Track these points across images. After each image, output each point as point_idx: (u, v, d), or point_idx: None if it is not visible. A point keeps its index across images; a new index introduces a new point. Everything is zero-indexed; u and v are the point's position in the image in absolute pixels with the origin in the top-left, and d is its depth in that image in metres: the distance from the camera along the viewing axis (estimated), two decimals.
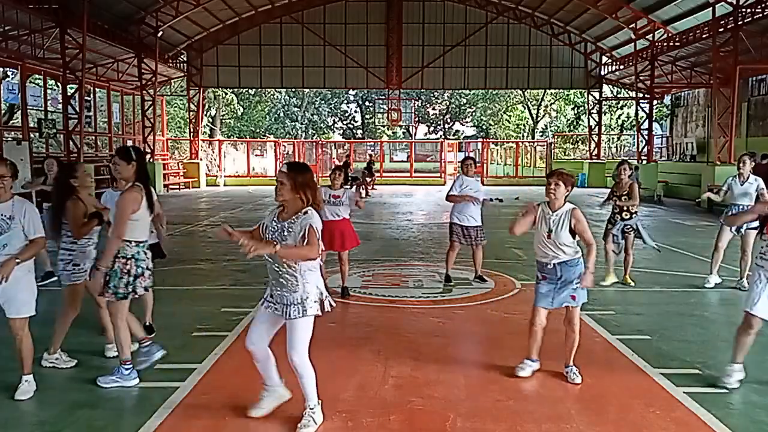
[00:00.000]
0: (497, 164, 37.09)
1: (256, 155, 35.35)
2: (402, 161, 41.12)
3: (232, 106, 42.41)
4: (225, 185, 29.20)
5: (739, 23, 16.80)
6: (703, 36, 19.50)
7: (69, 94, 18.99)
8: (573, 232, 4.31)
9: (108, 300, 4.38)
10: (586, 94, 30.55)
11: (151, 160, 24.49)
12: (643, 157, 24.89)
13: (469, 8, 27.94)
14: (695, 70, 23.93)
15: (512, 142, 41.39)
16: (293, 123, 51.44)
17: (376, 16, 27.96)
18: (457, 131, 59.81)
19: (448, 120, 58.84)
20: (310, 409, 3.70)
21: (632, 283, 7.52)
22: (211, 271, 8.53)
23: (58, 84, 21.65)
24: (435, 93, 52.79)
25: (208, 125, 39.65)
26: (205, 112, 35.69)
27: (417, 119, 47.16)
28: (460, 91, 46.14)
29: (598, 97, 29.18)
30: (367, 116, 54.34)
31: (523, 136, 47.88)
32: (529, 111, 47.65)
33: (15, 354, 4.15)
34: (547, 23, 27.72)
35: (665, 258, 9.85)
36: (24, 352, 4.12)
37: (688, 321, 6.06)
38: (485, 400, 4.15)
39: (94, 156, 23.76)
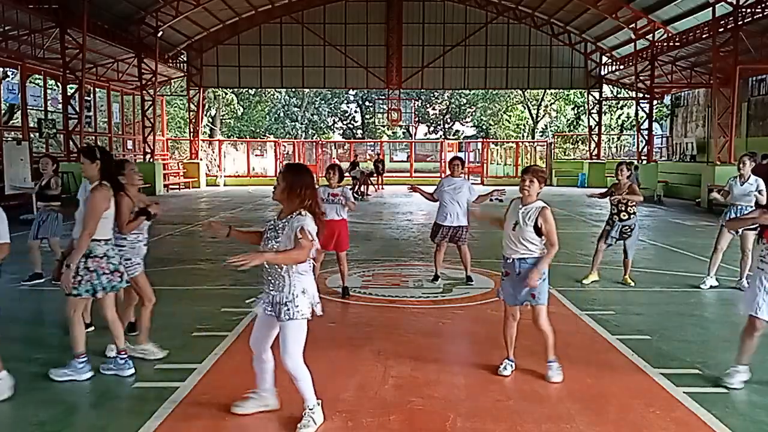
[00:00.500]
0: (497, 164, 37.07)
1: (256, 155, 35.35)
2: (402, 161, 41.13)
3: (232, 106, 42.41)
4: (225, 185, 29.21)
5: (739, 23, 16.80)
6: (703, 36, 19.51)
7: (69, 94, 19.01)
8: (539, 232, 4.35)
9: (68, 294, 4.42)
10: (586, 94, 30.56)
11: (151, 160, 24.51)
12: (643, 157, 24.90)
13: (469, 8, 27.95)
14: (695, 70, 23.94)
15: (512, 142, 41.36)
16: (293, 123, 51.43)
17: (376, 16, 27.97)
18: (457, 131, 59.79)
19: (448, 120, 58.82)
20: (310, 409, 3.70)
21: (632, 283, 7.52)
22: (211, 271, 8.53)
23: (58, 84, 21.66)
24: (435, 93, 52.78)
25: (208, 125, 39.66)
26: (205, 112, 35.70)
27: (417, 119, 47.15)
28: (460, 91, 46.14)
29: (598, 97, 29.19)
30: (367, 116, 54.32)
31: (523, 136, 47.86)
32: (529, 111, 47.64)
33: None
34: (547, 23, 27.73)
35: (665, 258, 9.86)
36: None
37: (688, 321, 6.06)
38: (485, 400, 4.15)
39: None
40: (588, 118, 30.12)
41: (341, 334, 5.60)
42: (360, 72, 28.48)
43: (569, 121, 42.89)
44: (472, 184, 8.23)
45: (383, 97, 32.42)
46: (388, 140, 49.81)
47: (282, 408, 3.90)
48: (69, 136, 18.90)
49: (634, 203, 7.34)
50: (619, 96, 34.28)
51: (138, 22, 22.64)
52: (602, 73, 28.54)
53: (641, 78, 24.49)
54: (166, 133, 31.24)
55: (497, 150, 40.76)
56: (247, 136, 44.49)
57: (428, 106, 56.70)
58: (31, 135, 19.78)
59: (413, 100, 36.40)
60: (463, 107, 55.92)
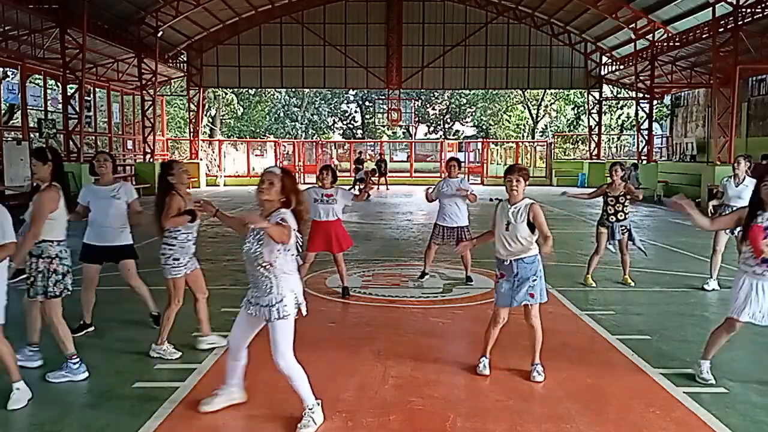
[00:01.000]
0: (497, 164, 37.05)
1: (256, 155, 35.36)
2: (402, 161, 41.12)
3: (232, 106, 42.41)
4: (225, 185, 29.20)
5: (739, 23, 16.79)
6: (703, 36, 19.50)
7: (69, 94, 19.00)
8: (531, 227, 4.37)
9: (41, 301, 4.45)
10: (586, 94, 30.55)
11: (151, 160, 24.52)
12: (643, 157, 24.89)
13: (469, 8, 27.94)
14: (695, 70, 23.93)
15: (512, 142, 41.37)
16: (293, 123, 51.42)
17: (376, 16, 27.96)
18: (457, 131, 59.79)
19: (448, 120, 58.82)
20: (309, 409, 3.71)
21: (632, 283, 7.52)
22: (211, 271, 8.52)
23: (58, 84, 21.65)
24: (435, 93, 52.79)
25: (208, 125, 39.65)
26: (205, 112, 35.70)
27: (417, 119, 47.14)
28: (460, 91, 46.14)
29: (598, 97, 29.18)
30: (367, 116, 54.32)
31: (523, 136, 47.85)
32: (529, 111, 47.64)
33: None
34: (547, 23, 27.73)
35: (665, 258, 9.86)
36: (5, 359, 3.96)
37: (688, 321, 6.06)
38: (485, 400, 4.15)
39: (94, 156, 23.73)
40: (588, 118, 30.12)
41: (341, 334, 5.60)
42: (360, 72, 28.47)
43: (569, 121, 42.88)
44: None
45: (383, 97, 32.41)
46: (388, 140, 49.81)
47: (282, 408, 3.90)
48: (69, 136, 18.89)
49: (629, 202, 7.36)
50: (619, 96, 34.27)
51: (138, 22, 22.63)
52: (602, 73, 28.53)
53: (641, 78, 24.48)
54: (166, 133, 31.23)
55: (497, 150, 40.74)
56: (247, 136, 44.49)
57: (428, 106, 56.70)
58: (31, 135, 19.76)
59: (413, 100, 36.39)
60: (463, 107, 55.92)
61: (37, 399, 4.05)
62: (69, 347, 4.43)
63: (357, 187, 23.30)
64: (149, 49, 23.19)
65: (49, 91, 22.00)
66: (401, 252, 10.23)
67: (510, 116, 50.15)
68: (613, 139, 37.30)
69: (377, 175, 23.82)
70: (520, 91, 43.29)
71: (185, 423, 3.78)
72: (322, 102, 53.71)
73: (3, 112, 20.72)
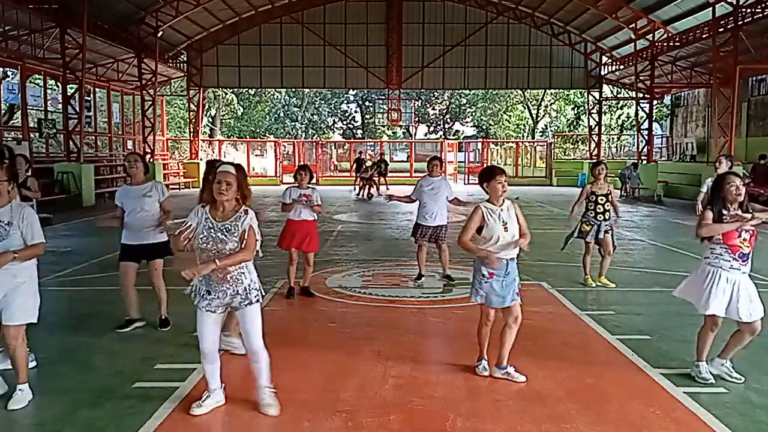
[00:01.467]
0: (497, 164, 37.11)
1: (256, 155, 35.38)
2: (402, 161, 41.11)
3: (232, 106, 42.41)
4: None
5: (739, 23, 16.79)
6: (703, 36, 19.50)
7: (69, 94, 18.99)
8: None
9: None
10: (586, 94, 30.54)
11: (151, 160, 24.50)
12: (643, 157, 24.89)
13: (469, 8, 27.93)
14: (695, 70, 23.94)
15: (512, 142, 41.39)
16: (293, 123, 51.43)
17: (376, 16, 27.95)
18: (457, 131, 59.81)
19: (448, 120, 58.84)
20: (272, 389, 3.87)
21: (611, 284, 7.41)
22: None
23: (58, 84, 21.66)
24: (435, 93, 52.79)
25: (208, 125, 39.65)
26: (205, 112, 35.69)
27: (417, 119, 47.14)
28: (460, 91, 46.13)
29: (598, 97, 29.17)
30: (367, 116, 54.33)
31: (523, 136, 47.88)
32: (529, 111, 47.65)
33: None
34: (547, 23, 27.72)
35: (665, 258, 9.85)
36: (18, 360, 3.99)
37: (688, 321, 6.05)
38: (485, 400, 4.15)
39: (94, 156, 23.77)
40: (588, 118, 30.11)
41: (341, 334, 5.60)
42: (360, 72, 28.46)
43: (569, 121, 42.89)
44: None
45: (383, 97, 32.41)
46: (388, 140, 49.81)
47: (282, 407, 3.90)
48: (69, 136, 18.89)
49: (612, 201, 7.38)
50: (619, 96, 34.26)
51: (138, 22, 22.63)
52: (602, 73, 28.52)
53: (641, 78, 24.48)
54: (166, 133, 31.22)
55: (497, 150, 40.79)
56: (247, 136, 44.49)
57: (428, 106, 56.71)
58: (31, 135, 19.79)
59: (413, 100, 36.39)
60: (463, 107, 55.94)
61: (37, 399, 4.05)
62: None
63: (356, 188, 23.29)
64: (149, 49, 23.19)
65: (49, 91, 22.01)
66: (401, 252, 10.23)
67: (510, 116, 50.17)
68: (613, 139, 37.30)
69: (377, 176, 23.56)
70: (520, 91, 43.30)
71: (185, 423, 3.78)
72: (322, 102, 53.72)
73: (3, 112, 20.74)
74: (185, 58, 28.13)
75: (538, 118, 47.20)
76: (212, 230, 3.71)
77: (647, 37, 23.22)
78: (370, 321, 6.06)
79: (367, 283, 7.73)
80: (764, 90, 20.82)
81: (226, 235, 3.68)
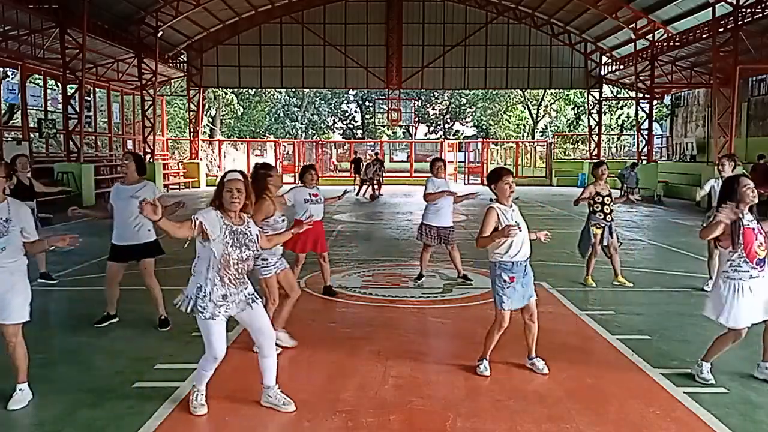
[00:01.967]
0: (497, 164, 37.09)
1: (256, 155, 35.35)
2: (402, 161, 41.13)
3: (232, 106, 42.40)
4: None
5: (739, 23, 16.79)
6: (703, 36, 19.50)
7: (69, 94, 18.99)
8: None
9: None
10: (586, 94, 30.54)
11: (151, 160, 24.51)
12: (643, 157, 24.89)
13: (469, 8, 27.93)
14: (695, 70, 23.93)
15: (512, 142, 41.40)
16: (293, 123, 51.43)
17: (376, 16, 27.95)
18: (457, 131, 59.81)
19: (448, 120, 58.84)
20: (278, 389, 3.92)
21: (629, 284, 7.46)
22: None
23: (58, 84, 21.65)
24: (435, 93, 52.78)
25: (208, 125, 39.64)
26: (205, 112, 35.69)
27: (417, 119, 47.14)
28: (460, 91, 46.12)
29: (598, 97, 29.17)
30: (367, 116, 54.33)
31: (523, 136, 47.88)
32: (529, 111, 47.65)
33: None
34: (547, 23, 27.72)
35: (665, 258, 9.86)
36: (18, 359, 3.98)
37: (688, 321, 6.06)
38: (485, 400, 4.15)
39: (94, 156, 23.77)
40: (588, 118, 30.11)
41: (341, 334, 5.60)
42: (360, 72, 28.46)
43: (569, 121, 42.89)
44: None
45: (383, 97, 32.41)
46: (388, 140, 49.82)
47: (281, 408, 3.91)
48: (69, 136, 18.88)
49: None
50: (619, 96, 34.27)
51: (138, 22, 22.63)
52: (602, 73, 28.52)
53: (641, 78, 24.48)
54: (166, 133, 31.22)
55: (497, 150, 40.83)
56: (247, 136, 44.49)
57: (428, 106, 56.71)
58: (31, 135, 19.78)
59: (413, 100, 36.39)
60: (463, 107, 55.94)
61: (37, 399, 4.05)
62: None
63: (355, 188, 23.22)
64: (149, 49, 23.19)
65: (49, 91, 22.01)
66: (401, 252, 10.23)
67: (510, 116, 50.17)
68: (613, 139, 37.30)
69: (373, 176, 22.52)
70: (520, 91, 43.29)
71: (185, 423, 3.78)
72: (322, 102, 53.72)
73: (3, 112, 20.74)
74: (185, 58, 28.13)
75: (538, 118, 47.20)
76: (236, 234, 3.71)
77: (647, 37, 23.22)
78: (370, 321, 6.06)
79: (367, 283, 7.73)
80: (764, 90, 20.82)
81: (247, 242, 3.76)
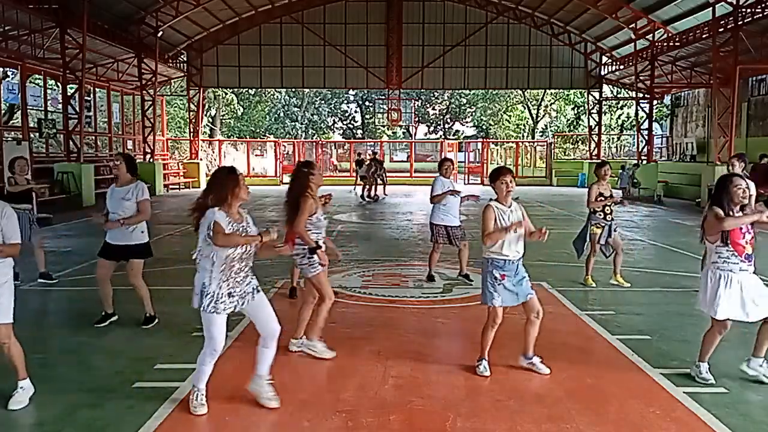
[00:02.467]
0: (497, 164, 37.07)
1: (256, 155, 35.36)
2: (402, 161, 41.13)
3: (232, 106, 42.40)
4: None
5: (739, 23, 16.79)
6: (703, 36, 19.50)
7: (69, 94, 19.00)
8: None
9: None
10: (586, 94, 30.54)
11: (151, 160, 24.51)
12: (643, 157, 24.89)
13: (469, 8, 27.94)
14: (695, 70, 23.93)
15: (512, 142, 41.40)
16: (293, 123, 51.42)
17: (376, 16, 27.96)
18: (457, 131, 59.82)
19: (448, 120, 58.85)
20: (269, 380, 3.97)
21: (626, 284, 7.45)
22: None
23: (58, 84, 21.66)
24: (435, 93, 52.79)
25: (208, 125, 39.64)
26: (205, 112, 35.69)
27: (417, 119, 47.15)
28: (460, 91, 46.13)
29: (598, 97, 29.17)
30: (367, 116, 54.34)
31: (523, 136, 47.88)
32: (529, 111, 47.65)
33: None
34: (547, 23, 27.73)
35: (665, 258, 9.86)
36: (14, 358, 3.98)
37: (688, 321, 6.06)
38: (485, 400, 4.15)
39: (94, 156, 23.76)
40: (588, 118, 30.11)
41: (341, 334, 5.59)
42: (360, 72, 28.46)
43: (569, 121, 42.89)
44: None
45: (383, 97, 32.41)
46: (388, 140, 49.82)
47: (282, 408, 3.91)
48: (69, 136, 18.89)
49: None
50: (619, 96, 34.27)
51: (138, 22, 22.63)
52: (602, 73, 28.52)
53: (641, 78, 24.48)
54: (166, 133, 31.22)
55: (497, 150, 40.82)
56: (247, 136, 44.49)
57: (428, 106, 56.73)
58: (31, 135, 19.77)
59: (413, 100, 36.39)
60: (463, 107, 55.94)
61: (37, 399, 4.05)
62: None
63: (355, 187, 23.17)
64: (149, 49, 23.19)
65: (49, 91, 22.01)
66: (401, 252, 10.23)
67: (510, 116, 50.17)
68: (613, 139, 37.31)
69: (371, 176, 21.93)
70: (520, 91, 43.30)
71: (185, 423, 3.78)
72: (322, 102, 53.72)
73: (3, 112, 20.74)
74: (185, 58, 28.13)
75: (538, 118, 47.20)
76: (239, 232, 3.82)
77: (647, 37, 23.22)
78: (370, 321, 6.06)
79: (367, 283, 7.73)
80: (764, 90, 20.81)
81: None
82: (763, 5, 16.26)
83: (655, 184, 21.95)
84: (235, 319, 5.86)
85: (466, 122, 59.24)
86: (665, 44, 22.40)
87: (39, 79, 21.86)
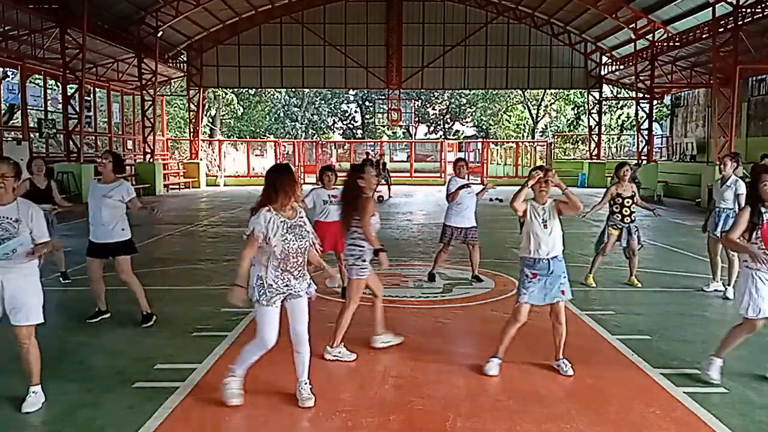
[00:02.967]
0: (497, 164, 37.07)
1: (256, 155, 35.36)
2: (402, 161, 41.10)
3: (232, 106, 42.40)
4: (225, 185, 29.21)
5: (739, 23, 16.79)
6: (703, 36, 19.50)
7: (69, 94, 19.00)
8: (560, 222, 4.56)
9: None
10: (586, 94, 30.55)
11: (151, 160, 24.52)
12: (643, 157, 24.89)
13: (469, 8, 27.94)
14: (695, 70, 23.93)
15: (512, 142, 41.34)
16: (293, 123, 51.41)
17: (376, 16, 27.96)
18: (457, 131, 59.77)
19: (448, 120, 58.80)
20: (307, 383, 3.98)
21: (639, 284, 7.47)
22: (211, 271, 8.53)
23: (58, 84, 21.67)
24: (435, 93, 52.76)
25: (208, 125, 39.64)
26: (205, 112, 35.69)
27: (417, 119, 47.12)
28: (460, 91, 46.12)
29: (598, 97, 29.17)
30: (367, 116, 54.30)
31: (523, 136, 47.84)
32: (529, 111, 47.64)
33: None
34: (547, 23, 27.73)
35: (665, 258, 9.85)
36: (32, 361, 3.96)
37: (688, 321, 6.06)
38: (485, 400, 4.15)
39: (94, 156, 23.74)
40: (588, 118, 30.11)
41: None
42: (360, 72, 28.47)
43: (569, 121, 42.89)
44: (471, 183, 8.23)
45: (383, 97, 32.41)
46: (388, 140, 49.79)
47: (281, 407, 3.91)
48: (69, 136, 18.89)
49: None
50: (619, 96, 34.27)
51: (138, 22, 22.63)
52: (602, 73, 28.52)
53: (641, 78, 24.49)
54: (166, 133, 31.23)
55: (497, 150, 40.73)
56: (247, 136, 44.49)
57: (428, 106, 56.67)
58: (31, 135, 19.79)
59: (413, 100, 36.38)
60: (463, 107, 55.89)
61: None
62: None
63: None
64: (149, 49, 23.19)
65: (49, 91, 22.02)
66: (401, 252, 10.24)
67: (510, 116, 50.14)
68: (613, 139, 37.31)
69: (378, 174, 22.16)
70: (520, 91, 43.29)
71: (185, 423, 3.78)
72: (322, 102, 53.69)
73: (3, 112, 20.74)
74: (185, 58, 28.14)
75: (538, 118, 47.19)
76: (294, 228, 3.88)
77: (647, 37, 23.23)
78: (370, 321, 6.04)
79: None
80: (764, 90, 20.81)
81: (303, 233, 3.91)
82: (763, 5, 16.26)
83: (655, 184, 21.95)
84: (235, 319, 5.88)
85: (466, 122, 59.19)
86: (665, 44, 22.40)
87: (39, 79, 21.86)
